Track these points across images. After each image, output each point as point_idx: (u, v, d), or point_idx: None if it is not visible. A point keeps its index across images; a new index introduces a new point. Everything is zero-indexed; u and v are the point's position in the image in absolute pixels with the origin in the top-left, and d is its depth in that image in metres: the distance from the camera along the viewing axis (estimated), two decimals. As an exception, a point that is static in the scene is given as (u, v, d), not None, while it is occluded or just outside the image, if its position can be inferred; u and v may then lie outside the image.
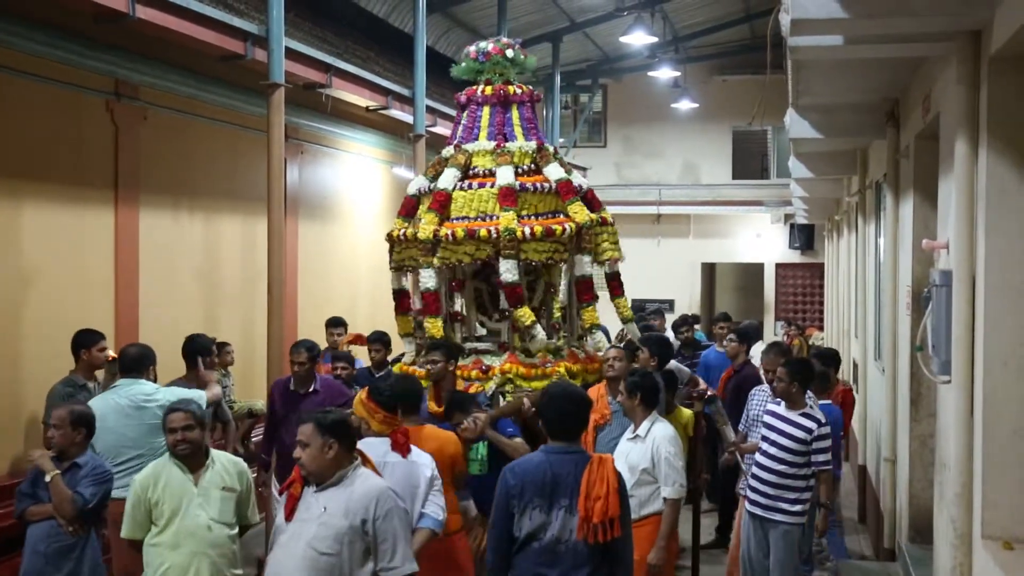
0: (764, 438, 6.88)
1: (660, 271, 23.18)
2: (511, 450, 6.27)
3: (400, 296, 7.99)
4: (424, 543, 5.33)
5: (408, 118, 12.43)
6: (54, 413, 5.90)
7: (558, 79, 18.43)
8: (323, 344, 9.53)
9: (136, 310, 9.15)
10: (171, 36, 8.35)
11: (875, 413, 9.88)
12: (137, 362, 6.74)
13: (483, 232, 7.23)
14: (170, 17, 8.10)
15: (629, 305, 8.20)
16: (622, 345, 8.09)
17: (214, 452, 5.57)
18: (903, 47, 5.88)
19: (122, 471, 6.33)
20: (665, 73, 19.90)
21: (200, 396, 6.69)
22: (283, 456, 7.42)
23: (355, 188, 13.60)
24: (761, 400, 7.39)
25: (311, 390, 7.71)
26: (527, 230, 7.22)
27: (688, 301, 23.37)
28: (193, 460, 5.40)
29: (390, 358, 8.89)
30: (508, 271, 7.22)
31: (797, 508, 6.68)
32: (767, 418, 6.94)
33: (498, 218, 7.34)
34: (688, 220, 23.60)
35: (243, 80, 9.94)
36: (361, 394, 5.87)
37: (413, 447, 5.60)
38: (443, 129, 13.14)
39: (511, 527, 4.70)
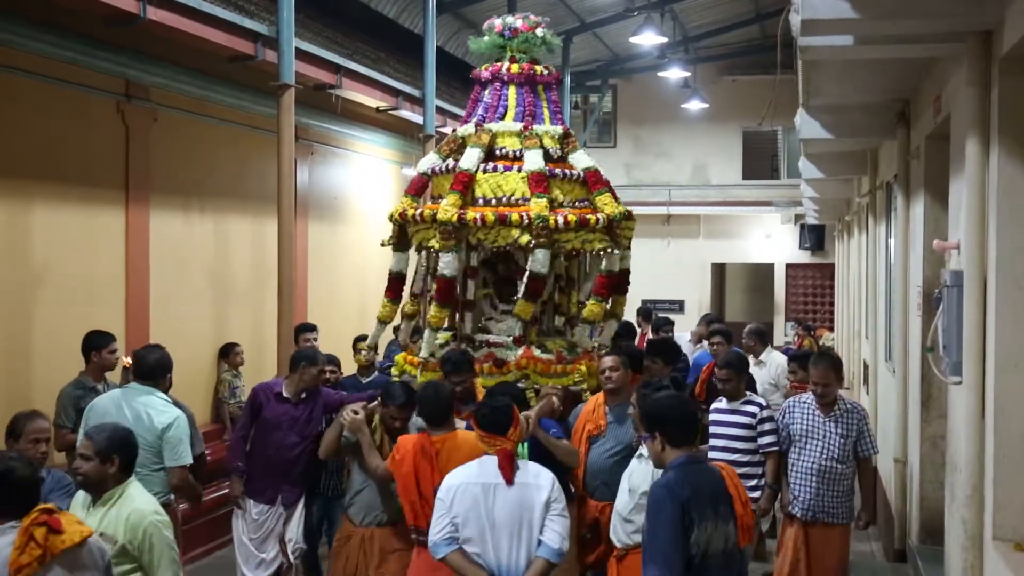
0: (714, 435, 7.06)
1: (670, 272, 23.15)
2: (561, 452, 6.07)
3: (396, 280, 7.62)
4: (541, 575, 4.94)
5: (418, 119, 12.45)
6: (38, 426, 5.51)
7: (568, 79, 18.41)
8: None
9: (147, 311, 9.17)
10: (181, 37, 8.37)
11: (886, 414, 9.86)
12: (155, 369, 6.45)
13: (515, 217, 6.90)
14: (180, 18, 8.13)
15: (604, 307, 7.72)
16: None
17: (132, 493, 4.69)
18: (914, 47, 5.87)
19: None
20: (675, 73, 19.85)
21: (183, 416, 6.37)
22: (263, 467, 7.12)
23: (365, 188, 13.62)
24: (804, 412, 6.89)
25: (303, 398, 7.20)
26: (560, 219, 6.91)
27: (698, 302, 23.34)
28: (92, 491, 4.67)
29: (378, 360, 8.60)
30: (539, 262, 6.91)
31: (756, 495, 6.85)
32: (713, 416, 7.14)
33: (525, 203, 7.01)
34: (698, 220, 23.57)
35: (253, 81, 9.96)
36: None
37: (530, 464, 5.21)
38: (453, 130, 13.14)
39: (688, 545, 4.24)
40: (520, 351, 7.05)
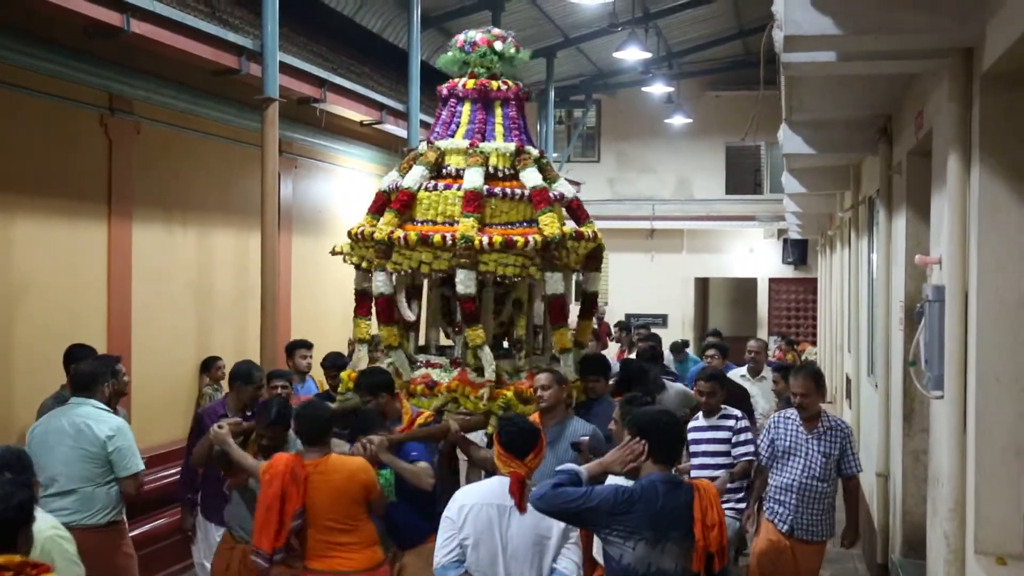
0: (694, 453, 7.09)
1: (653, 286, 23.24)
2: (410, 475, 5.82)
3: (361, 297, 7.41)
4: None
5: (402, 133, 12.45)
6: None
7: (552, 94, 18.48)
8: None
9: (129, 324, 9.13)
10: (165, 51, 8.36)
11: (868, 428, 9.88)
12: (90, 379, 6.32)
13: (437, 238, 6.68)
14: (164, 32, 8.11)
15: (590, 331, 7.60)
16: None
17: (41, 527, 4.10)
18: (896, 64, 5.91)
19: (49, 498, 5.96)
20: (659, 88, 19.97)
21: (124, 423, 6.28)
22: (218, 490, 6.72)
23: (349, 202, 13.57)
24: (788, 427, 6.79)
25: (248, 416, 6.88)
26: (485, 240, 6.63)
27: (681, 316, 23.41)
28: None
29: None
30: (463, 283, 6.67)
31: (741, 506, 6.99)
32: (692, 434, 7.09)
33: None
34: (681, 235, 23.65)
35: (237, 94, 9.95)
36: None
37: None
38: (437, 144, 13.14)
39: (599, 517, 4.34)
40: (455, 373, 6.85)
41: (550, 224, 6.82)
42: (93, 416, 6.19)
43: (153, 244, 9.53)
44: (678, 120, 21.65)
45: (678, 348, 12.48)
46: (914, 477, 7.49)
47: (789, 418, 6.82)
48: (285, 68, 9.55)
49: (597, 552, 5.71)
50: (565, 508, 4.40)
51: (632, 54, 16.34)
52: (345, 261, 7.51)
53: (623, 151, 23.97)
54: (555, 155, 19.93)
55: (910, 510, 7.54)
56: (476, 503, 4.88)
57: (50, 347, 7.71)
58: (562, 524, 4.80)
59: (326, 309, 12.55)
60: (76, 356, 7.23)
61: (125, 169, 9.09)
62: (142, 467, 6.34)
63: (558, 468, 4.66)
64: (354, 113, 11.75)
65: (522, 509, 4.82)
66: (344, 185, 13.51)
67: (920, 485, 7.23)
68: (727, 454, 7.01)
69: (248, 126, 10.16)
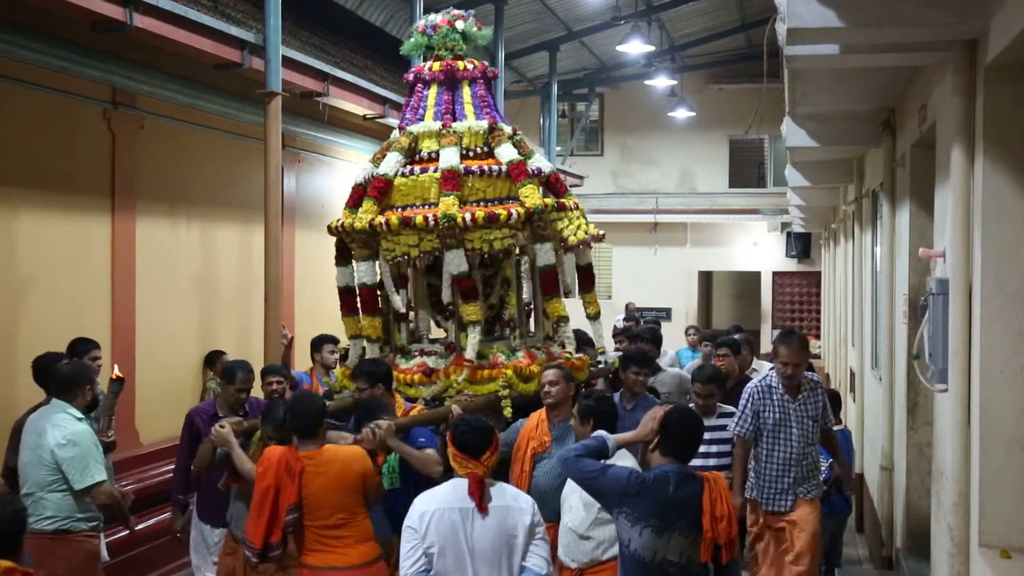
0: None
1: (657, 280, 23.23)
2: (418, 462, 5.73)
3: (345, 295, 7.41)
4: None
5: (405, 126, 12.43)
6: None
7: (555, 88, 18.47)
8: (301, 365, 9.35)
9: (133, 319, 9.13)
10: (168, 45, 8.35)
11: (872, 422, 9.88)
12: (71, 382, 6.11)
13: (419, 219, 6.61)
14: (167, 26, 8.10)
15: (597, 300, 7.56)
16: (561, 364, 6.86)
17: None
18: (899, 56, 5.89)
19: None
20: (662, 82, 19.95)
21: (83, 431, 6.01)
22: (214, 490, 6.54)
23: (352, 196, 13.60)
24: (775, 398, 6.63)
25: (241, 415, 6.84)
26: (467, 216, 6.60)
27: (685, 310, 23.39)
28: None
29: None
30: (454, 262, 6.65)
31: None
32: None
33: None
34: (685, 228, 23.64)
35: (240, 89, 9.94)
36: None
37: (507, 487, 5.01)
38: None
39: (609, 495, 4.52)
40: (451, 358, 6.80)
41: (531, 195, 6.82)
42: (54, 421, 5.98)
43: (156, 238, 9.53)
44: (681, 113, 21.63)
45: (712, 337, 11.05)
46: (918, 470, 7.49)
47: (772, 387, 6.70)
48: (288, 62, 9.54)
49: (563, 553, 5.65)
50: (581, 478, 4.67)
51: (635, 47, 16.33)
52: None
53: (626, 144, 23.95)
54: (558, 148, 19.92)
55: (914, 503, 7.54)
56: (437, 508, 4.76)
57: (54, 342, 7.70)
58: (528, 520, 4.76)
59: (329, 302, 12.54)
60: (76, 350, 7.24)
61: (128, 163, 9.09)
62: (99, 479, 5.96)
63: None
64: (357, 107, 11.74)
65: (483, 510, 4.73)
66: (347, 179, 13.41)
67: (924, 478, 7.23)
68: (730, 454, 6.96)
69: (251, 120, 10.16)
